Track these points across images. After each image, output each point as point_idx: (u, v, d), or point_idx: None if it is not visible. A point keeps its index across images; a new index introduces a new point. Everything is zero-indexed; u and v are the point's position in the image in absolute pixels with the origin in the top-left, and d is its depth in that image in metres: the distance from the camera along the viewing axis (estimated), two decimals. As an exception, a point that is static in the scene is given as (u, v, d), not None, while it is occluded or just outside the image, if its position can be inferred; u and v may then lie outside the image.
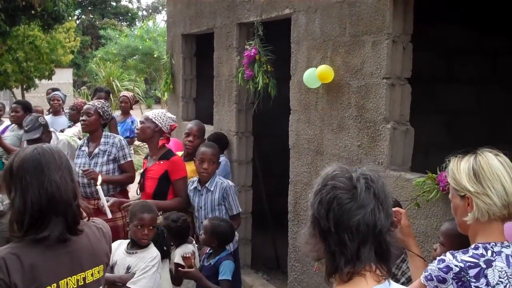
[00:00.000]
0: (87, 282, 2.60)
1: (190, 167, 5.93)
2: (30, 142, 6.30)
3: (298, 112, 5.78)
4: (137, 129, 5.64)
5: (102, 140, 5.81)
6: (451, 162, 2.57)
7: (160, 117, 5.48)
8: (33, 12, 18.82)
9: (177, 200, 5.42)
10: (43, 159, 2.48)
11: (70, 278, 2.51)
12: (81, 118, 5.97)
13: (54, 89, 11.20)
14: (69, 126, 8.87)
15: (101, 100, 6.14)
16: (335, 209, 1.84)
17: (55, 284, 2.46)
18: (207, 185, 5.43)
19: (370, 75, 4.76)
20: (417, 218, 4.14)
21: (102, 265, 2.72)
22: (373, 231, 1.83)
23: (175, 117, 5.70)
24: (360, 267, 1.84)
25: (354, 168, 1.92)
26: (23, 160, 2.46)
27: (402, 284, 3.35)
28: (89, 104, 5.96)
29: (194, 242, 5.20)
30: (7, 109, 12.78)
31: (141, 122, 5.53)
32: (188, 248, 5.00)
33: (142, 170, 5.76)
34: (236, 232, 5.41)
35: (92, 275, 2.63)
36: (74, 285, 2.54)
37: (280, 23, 6.21)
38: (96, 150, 5.75)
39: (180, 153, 6.42)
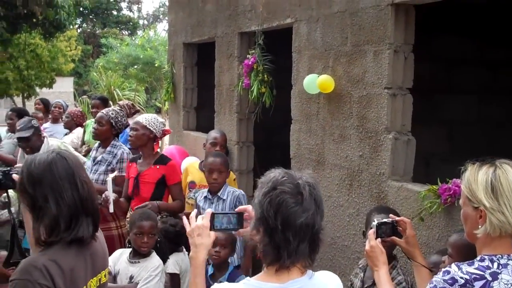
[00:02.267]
0: (101, 283, 2.64)
1: None
2: (21, 140, 6.25)
3: (299, 121, 5.77)
4: (130, 135, 5.56)
5: (108, 149, 5.77)
6: (468, 170, 2.49)
7: (154, 123, 5.45)
8: (34, 20, 18.87)
9: (180, 203, 5.45)
10: (70, 161, 2.51)
11: (92, 280, 2.55)
12: (93, 125, 5.96)
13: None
14: (65, 134, 8.89)
15: (116, 109, 6.06)
16: (283, 211, 2.12)
17: (85, 286, 2.49)
18: (219, 194, 5.33)
19: (372, 85, 4.75)
20: (419, 229, 4.12)
21: (108, 268, 2.80)
22: (311, 231, 2.15)
23: (164, 121, 5.68)
24: (297, 260, 2.16)
25: (298, 175, 2.21)
26: (49, 165, 2.46)
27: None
28: (102, 113, 5.88)
29: (184, 250, 5.14)
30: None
31: (134, 129, 5.47)
32: (180, 257, 4.95)
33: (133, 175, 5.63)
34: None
35: (105, 276, 2.69)
36: (95, 286, 2.57)
37: (283, 32, 6.21)
38: (99, 157, 5.74)
39: (196, 162, 6.40)
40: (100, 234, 2.71)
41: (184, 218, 2.74)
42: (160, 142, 5.89)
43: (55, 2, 18.32)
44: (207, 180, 5.46)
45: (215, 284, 2.29)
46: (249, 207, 2.69)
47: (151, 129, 5.41)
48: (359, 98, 4.90)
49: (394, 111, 4.63)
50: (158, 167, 5.40)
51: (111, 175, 5.35)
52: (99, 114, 5.95)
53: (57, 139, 7.46)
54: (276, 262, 2.17)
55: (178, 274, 4.82)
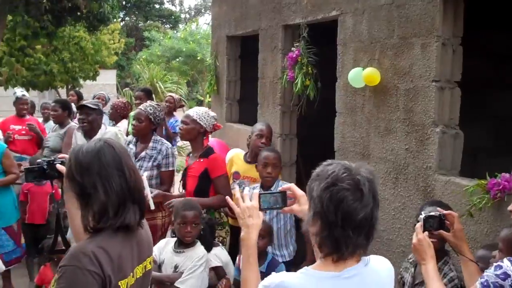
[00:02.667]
0: (146, 270, 2.65)
1: None
2: (84, 111, 6.35)
3: (343, 114, 5.74)
4: (180, 128, 5.55)
5: (151, 144, 5.78)
6: None
7: (205, 118, 5.40)
8: (78, 13, 19.10)
9: (219, 197, 5.26)
10: (117, 149, 2.52)
11: (137, 267, 2.55)
12: (131, 122, 5.97)
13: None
14: (111, 125, 8.97)
15: (153, 104, 6.07)
16: (343, 207, 2.13)
17: (131, 273, 2.49)
18: (272, 188, 5.23)
19: (419, 77, 4.70)
20: (467, 224, 4.06)
21: (152, 255, 2.79)
22: (369, 224, 2.18)
23: (216, 115, 5.66)
24: (355, 252, 2.21)
25: (357, 170, 2.21)
26: (97, 153, 2.48)
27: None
28: (140, 109, 5.88)
29: (220, 244, 5.14)
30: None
31: (184, 123, 5.46)
32: (218, 250, 4.94)
33: (184, 168, 5.73)
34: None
35: (150, 263, 2.69)
36: (141, 273, 2.58)
37: (327, 24, 6.17)
38: (143, 154, 5.73)
39: (241, 152, 6.38)
40: (144, 222, 2.73)
41: (229, 199, 2.78)
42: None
43: (99, -5, 18.57)
44: (260, 174, 5.42)
45: (273, 273, 2.30)
46: (292, 186, 2.78)
47: (202, 123, 5.36)
48: (406, 91, 4.85)
49: (442, 105, 4.57)
50: (201, 160, 5.39)
51: (145, 174, 5.38)
52: (137, 111, 5.95)
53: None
54: (334, 254, 2.20)
55: (221, 266, 4.85)
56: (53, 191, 6.46)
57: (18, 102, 8.44)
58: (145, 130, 5.81)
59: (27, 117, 8.50)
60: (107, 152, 2.49)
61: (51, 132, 7.95)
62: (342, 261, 2.22)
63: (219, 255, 4.92)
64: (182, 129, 5.45)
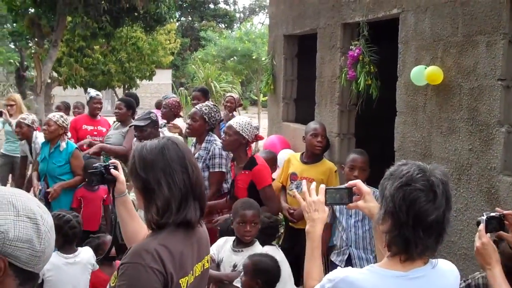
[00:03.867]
0: (205, 268, 2.67)
1: (317, 168, 5.95)
2: (136, 129, 6.45)
3: (404, 114, 5.65)
4: (223, 139, 5.53)
5: (203, 145, 5.79)
6: None
7: (247, 129, 5.35)
8: (136, 14, 19.38)
9: (265, 208, 5.14)
10: (180, 146, 2.56)
11: (197, 265, 2.57)
12: (186, 121, 6.00)
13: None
14: (164, 125, 9.01)
15: (209, 104, 6.07)
16: (415, 208, 2.16)
17: (191, 271, 2.51)
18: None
19: (484, 76, 4.59)
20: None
21: (210, 254, 2.81)
22: (441, 227, 2.20)
23: (258, 125, 5.62)
24: (424, 254, 2.23)
25: (432, 171, 2.23)
26: (162, 150, 2.51)
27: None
28: (196, 109, 5.90)
29: (276, 244, 5.10)
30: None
31: (227, 133, 5.42)
32: (272, 249, 4.88)
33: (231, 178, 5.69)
34: None
35: (207, 261, 2.71)
36: (199, 271, 2.59)
37: (387, 23, 6.09)
38: (196, 155, 5.74)
39: (297, 153, 6.35)
40: (201, 221, 2.74)
41: (296, 193, 2.81)
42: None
43: (156, -5, 18.80)
44: (346, 177, 5.31)
45: (339, 267, 2.31)
46: (359, 182, 2.77)
47: (244, 135, 5.33)
48: (470, 90, 4.74)
49: (508, 104, 4.46)
50: (247, 172, 5.36)
51: None
52: (192, 110, 5.94)
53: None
54: (403, 254, 2.23)
55: None
56: (105, 196, 6.51)
57: (92, 101, 8.48)
58: (199, 130, 5.80)
59: (99, 117, 8.58)
60: (171, 148, 2.52)
61: (112, 130, 8.04)
62: (409, 262, 2.24)
63: (271, 252, 4.90)
64: (225, 140, 5.44)
